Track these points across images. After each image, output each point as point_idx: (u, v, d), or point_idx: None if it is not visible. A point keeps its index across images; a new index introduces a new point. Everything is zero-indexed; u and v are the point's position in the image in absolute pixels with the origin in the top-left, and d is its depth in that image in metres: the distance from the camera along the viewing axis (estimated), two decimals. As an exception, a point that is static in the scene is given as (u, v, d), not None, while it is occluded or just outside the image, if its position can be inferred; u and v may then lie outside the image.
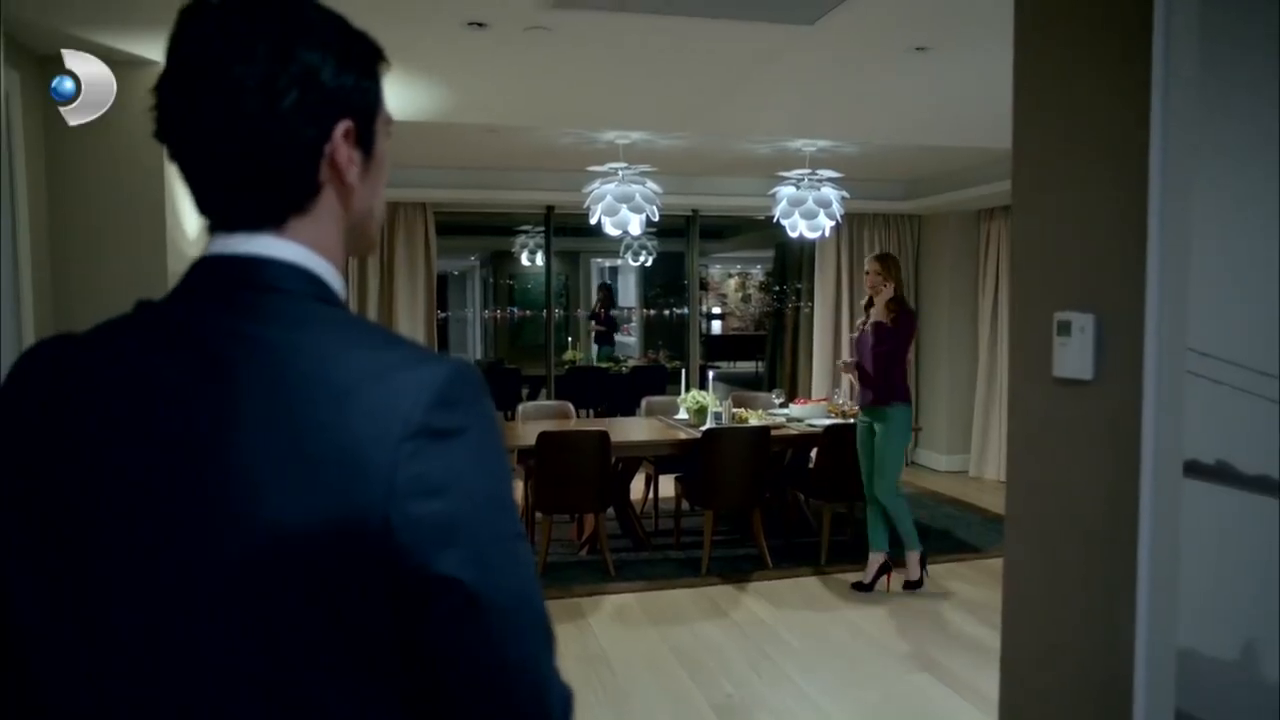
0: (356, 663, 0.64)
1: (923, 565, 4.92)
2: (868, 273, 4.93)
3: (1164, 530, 1.44)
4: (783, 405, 6.27)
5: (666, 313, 16.16)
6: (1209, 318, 1.36)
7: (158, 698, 0.64)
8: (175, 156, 0.72)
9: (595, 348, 11.96)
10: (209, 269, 0.72)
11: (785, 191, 5.93)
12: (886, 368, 4.77)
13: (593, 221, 5.74)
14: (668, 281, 15.15)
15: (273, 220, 0.72)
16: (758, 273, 16.87)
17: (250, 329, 0.68)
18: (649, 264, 11.43)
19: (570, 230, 11.43)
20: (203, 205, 0.73)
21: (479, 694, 0.67)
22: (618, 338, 15.94)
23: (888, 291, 4.83)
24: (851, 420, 5.63)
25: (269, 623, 0.63)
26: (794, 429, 5.57)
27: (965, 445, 8.08)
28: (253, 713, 0.64)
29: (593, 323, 11.21)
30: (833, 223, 5.92)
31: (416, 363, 0.67)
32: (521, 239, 10.56)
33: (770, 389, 11.43)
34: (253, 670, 0.63)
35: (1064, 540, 1.68)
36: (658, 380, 9.53)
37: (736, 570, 5.16)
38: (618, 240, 11.31)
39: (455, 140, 5.83)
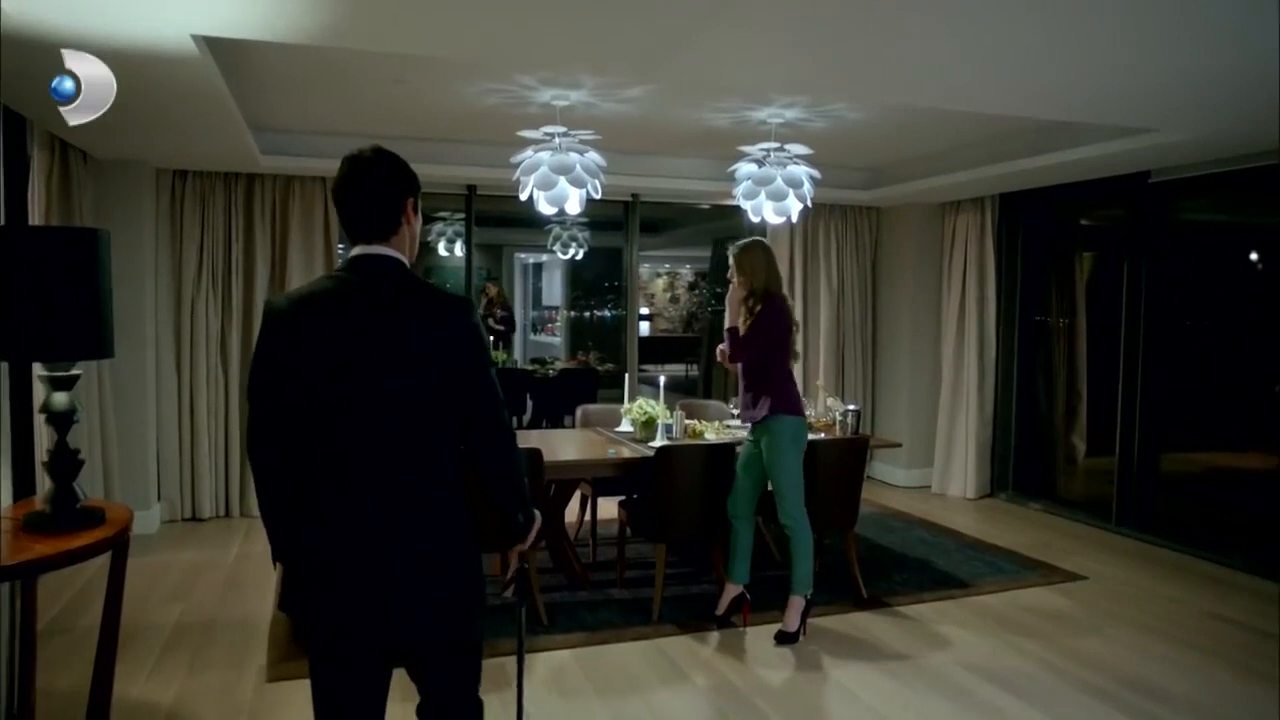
0: (446, 416, 1.91)
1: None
2: None
3: None
4: (738, 416, 5.45)
5: (589, 314, 15.24)
6: None
7: (388, 426, 1.86)
8: (343, 211, 1.94)
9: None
10: (361, 258, 1.92)
11: (748, 169, 5.09)
12: None
13: (523, 196, 4.83)
14: (595, 279, 14.27)
15: (385, 238, 1.93)
16: (687, 272, 16.18)
17: (389, 282, 1.91)
18: (579, 257, 10.51)
19: (493, 220, 10.44)
20: (354, 231, 1.94)
21: (482, 422, 1.96)
22: (542, 338, 14.98)
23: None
24: (822, 433, 4.88)
25: (427, 398, 1.88)
26: (757, 444, 4.74)
27: (928, 459, 7.40)
28: (418, 428, 1.88)
29: (490, 320, 10.03)
30: (802, 205, 5.11)
31: (458, 297, 1.96)
32: (439, 226, 9.53)
33: (705, 394, 10.63)
34: (421, 412, 1.88)
35: None
36: (589, 385, 8.66)
37: (694, 616, 4.30)
38: (544, 232, 10.37)
39: (357, 94, 4.83)
